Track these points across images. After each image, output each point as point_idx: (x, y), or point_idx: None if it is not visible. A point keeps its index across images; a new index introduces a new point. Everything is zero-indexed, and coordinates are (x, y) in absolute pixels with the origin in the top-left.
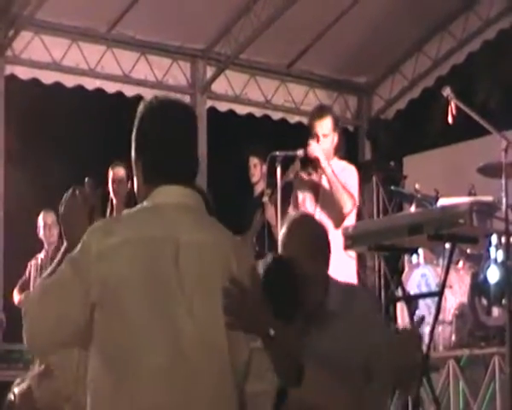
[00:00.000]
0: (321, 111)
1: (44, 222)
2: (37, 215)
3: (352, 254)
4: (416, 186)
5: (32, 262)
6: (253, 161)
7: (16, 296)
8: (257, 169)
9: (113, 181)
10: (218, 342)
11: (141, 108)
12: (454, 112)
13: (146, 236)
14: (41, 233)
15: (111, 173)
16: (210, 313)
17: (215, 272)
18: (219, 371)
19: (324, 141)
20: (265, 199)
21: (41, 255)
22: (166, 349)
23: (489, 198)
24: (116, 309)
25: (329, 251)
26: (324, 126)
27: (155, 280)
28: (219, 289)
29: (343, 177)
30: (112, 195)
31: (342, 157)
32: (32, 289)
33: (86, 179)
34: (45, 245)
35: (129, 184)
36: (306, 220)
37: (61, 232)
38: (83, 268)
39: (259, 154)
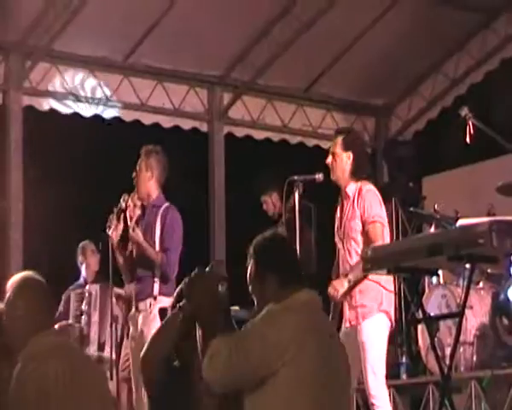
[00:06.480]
0: (335, 132)
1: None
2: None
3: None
4: (436, 207)
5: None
6: (265, 198)
7: None
8: (269, 203)
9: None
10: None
11: (259, 241)
12: (472, 131)
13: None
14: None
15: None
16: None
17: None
18: None
19: (336, 160)
20: (283, 223)
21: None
22: None
23: (508, 217)
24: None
25: None
26: (334, 145)
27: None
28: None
29: (360, 200)
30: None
31: (359, 179)
32: None
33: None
34: (84, 274)
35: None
36: None
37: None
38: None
39: (267, 188)
